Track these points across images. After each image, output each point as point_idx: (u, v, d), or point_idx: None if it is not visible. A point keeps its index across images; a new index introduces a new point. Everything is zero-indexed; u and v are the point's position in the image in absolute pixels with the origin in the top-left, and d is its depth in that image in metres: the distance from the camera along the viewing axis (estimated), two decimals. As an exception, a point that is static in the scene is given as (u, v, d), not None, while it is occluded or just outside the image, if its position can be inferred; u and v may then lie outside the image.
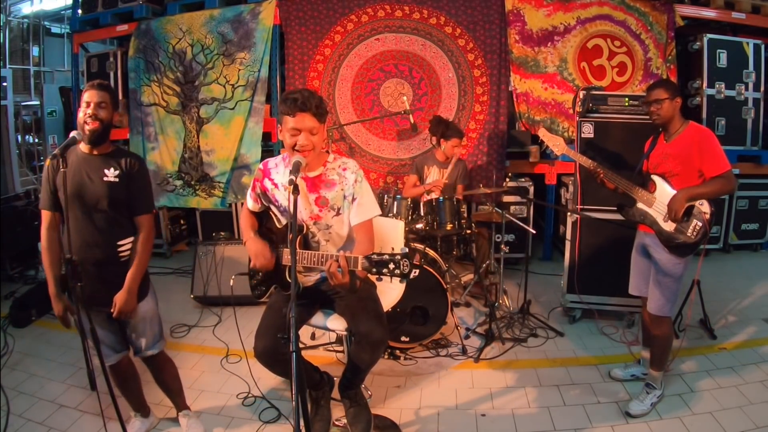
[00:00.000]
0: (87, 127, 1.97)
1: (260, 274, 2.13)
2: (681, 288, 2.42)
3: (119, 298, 1.99)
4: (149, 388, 2.39)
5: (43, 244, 2.02)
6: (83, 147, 2.05)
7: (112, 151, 2.08)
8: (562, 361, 2.95)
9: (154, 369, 2.29)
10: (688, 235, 2.32)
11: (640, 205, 2.45)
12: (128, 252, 2.07)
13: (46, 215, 2.03)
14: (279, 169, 2.08)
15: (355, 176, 2.01)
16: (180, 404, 2.41)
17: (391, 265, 1.69)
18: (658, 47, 4.58)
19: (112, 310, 2.00)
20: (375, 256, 1.73)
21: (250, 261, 2.15)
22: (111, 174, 2.01)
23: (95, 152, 2.04)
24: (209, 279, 3.77)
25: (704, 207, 2.31)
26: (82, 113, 1.98)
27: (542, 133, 2.83)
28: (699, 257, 2.46)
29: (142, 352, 2.17)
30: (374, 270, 1.72)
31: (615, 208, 2.57)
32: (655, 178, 2.42)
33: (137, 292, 2.06)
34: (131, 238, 2.08)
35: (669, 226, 2.36)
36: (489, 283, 3.70)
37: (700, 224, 2.30)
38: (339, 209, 2.03)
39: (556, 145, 2.74)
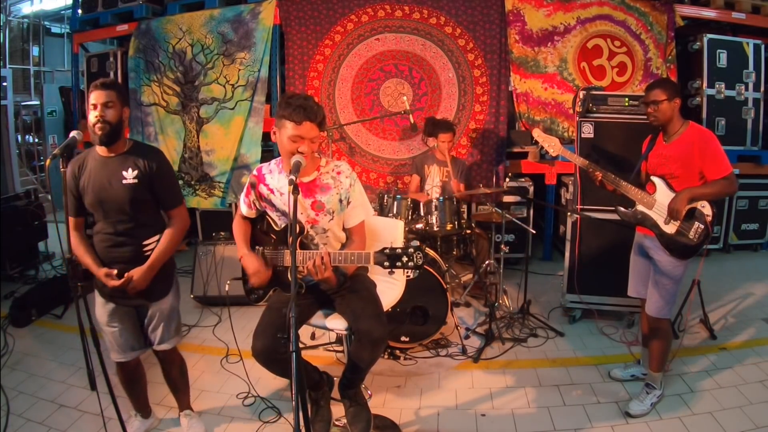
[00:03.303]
0: (97, 129, 1.96)
1: None
2: (679, 290, 2.41)
3: (135, 272, 1.99)
4: (151, 387, 2.40)
5: (72, 244, 2.04)
6: (99, 150, 2.04)
7: (129, 149, 2.05)
8: (562, 361, 2.95)
9: (165, 363, 2.30)
10: (690, 237, 2.29)
11: (639, 207, 2.42)
12: (153, 249, 2.08)
13: (70, 220, 2.07)
14: (273, 175, 2.09)
15: (350, 180, 2.04)
16: (184, 404, 2.42)
17: (405, 258, 1.73)
18: (658, 47, 4.58)
19: (125, 280, 1.99)
20: (388, 250, 1.75)
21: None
22: (129, 176, 1.99)
23: (111, 154, 2.03)
24: (209, 279, 3.77)
25: (706, 209, 2.28)
26: (91, 116, 1.96)
27: (537, 134, 2.75)
28: (700, 258, 2.43)
29: (155, 345, 2.20)
30: (387, 263, 1.74)
31: (613, 209, 2.54)
32: (654, 179, 2.39)
33: (160, 282, 2.09)
34: (157, 236, 2.09)
35: (670, 229, 2.33)
36: (489, 283, 3.69)
37: (702, 226, 2.28)
38: (334, 213, 2.04)
39: (551, 145, 2.68)
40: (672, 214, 2.28)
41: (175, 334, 2.23)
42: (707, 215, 2.28)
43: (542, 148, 2.60)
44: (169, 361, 2.30)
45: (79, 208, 2.06)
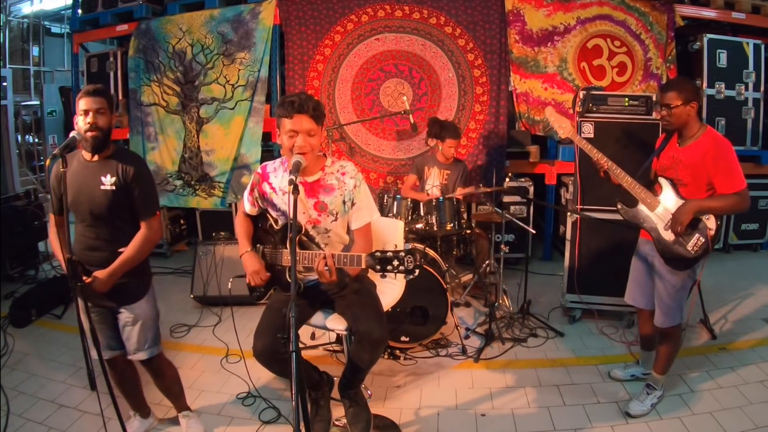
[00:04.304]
0: (89, 136, 1.95)
1: None
2: (684, 298, 2.32)
3: (97, 274, 1.97)
4: (149, 389, 2.39)
5: (51, 240, 2.10)
6: (84, 153, 2.04)
7: (111, 154, 2.04)
8: (562, 361, 2.95)
9: (151, 372, 2.26)
10: (688, 249, 2.19)
11: (641, 206, 2.31)
12: None
13: (51, 217, 2.07)
14: (278, 174, 2.08)
15: (355, 181, 2.02)
16: (180, 406, 2.40)
17: (396, 262, 1.71)
18: (658, 47, 4.58)
19: (90, 280, 1.97)
20: (379, 254, 1.74)
21: None
22: (108, 182, 1.99)
23: (94, 158, 2.03)
24: (209, 279, 3.77)
25: (710, 222, 2.16)
26: (82, 122, 1.95)
27: (549, 112, 2.50)
28: (702, 264, 2.31)
29: (131, 354, 2.14)
30: (378, 267, 1.73)
31: (615, 209, 2.43)
32: (662, 180, 2.28)
33: (129, 287, 2.06)
34: None
35: (668, 236, 2.23)
36: (489, 283, 3.69)
37: (702, 239, 2.17)
38: (337, 214, 2.02)
39: (562, 126, 2.43)
40: (674, 224, 2.16)
41: (153, 344, 2.16)
42: (710, 228, 2.17)
43: (551, 128, 2.47)
44: (155, 370, 2.24)
45: (60, 206, 2.03)
